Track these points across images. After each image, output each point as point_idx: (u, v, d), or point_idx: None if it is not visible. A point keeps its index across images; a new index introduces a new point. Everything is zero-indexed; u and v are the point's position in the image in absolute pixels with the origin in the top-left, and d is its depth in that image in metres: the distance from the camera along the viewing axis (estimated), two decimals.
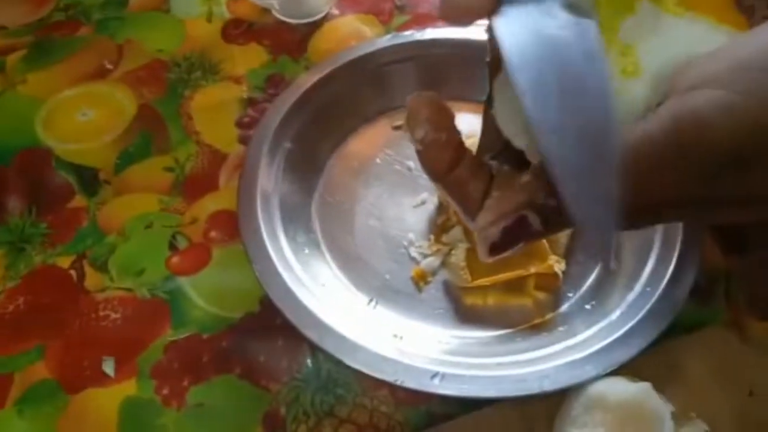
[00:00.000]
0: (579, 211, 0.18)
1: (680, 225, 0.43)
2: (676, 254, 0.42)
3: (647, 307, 0.40)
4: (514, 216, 0.21)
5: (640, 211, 0.21)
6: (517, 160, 0.25)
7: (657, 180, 0.20)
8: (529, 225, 0.21)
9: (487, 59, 0.29)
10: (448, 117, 0.26)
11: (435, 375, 0.37)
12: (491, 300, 0.45)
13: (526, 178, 0.21)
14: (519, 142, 0.25)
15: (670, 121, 0.20)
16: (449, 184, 0.26)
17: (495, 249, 0.22)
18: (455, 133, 0.26)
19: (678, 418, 0.37)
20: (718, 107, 0.20)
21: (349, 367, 0.38)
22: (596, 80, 0.20)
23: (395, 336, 0.42)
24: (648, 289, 0.41)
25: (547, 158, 0.19)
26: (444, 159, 0.25)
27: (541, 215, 0.21)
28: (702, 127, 0.20)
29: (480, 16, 0.24)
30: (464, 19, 0.25)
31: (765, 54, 0.20)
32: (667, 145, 0.20)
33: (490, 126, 0.28)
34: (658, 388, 0.37)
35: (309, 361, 0.43)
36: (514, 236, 0.21)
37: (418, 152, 0.27)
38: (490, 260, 0.24)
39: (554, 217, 0.21)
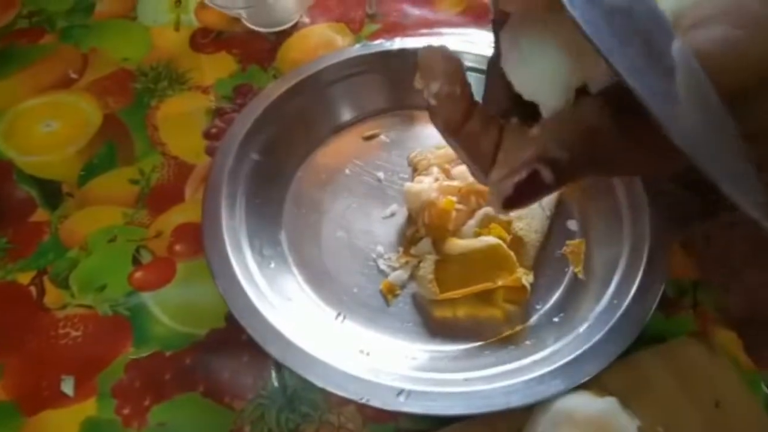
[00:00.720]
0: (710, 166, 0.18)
1: (647, 236, 0.43)
2: (642, 266, 0.42)
3: (614, 320, 0.39)
4: (526, 171, 0.21)
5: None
6: (527, 114, 0.25)
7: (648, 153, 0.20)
8: (541, 179, 0.20)
9: (491, 17, 0.28)
10: (460, 69, 0.25)
11: (401, 392, 0.37)
12: (461, 312, 0.44)
13: (535, 131, 0.20)
14: (537, 96, 0.24)
15: None
16: (462, 139, 0.25)
17: (509, 203, 0.21)
18: (467, 85, 0.25)
19: (645, 431, 0.37)
20: (719, 43, 0.19)
21: (313, 384, 0.37)
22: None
23: (362, 352, 0.41)
24: (615, 301, 0.41)
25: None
26: (458, 112, 0.25)
27: (553, 168, 0.20)
28: (705, 66, 0.19)
29: None
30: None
31: None
32: None
33: (496, 81, 0.27)
34: (626, 401, 0.37)
35: (274, 378, 0.42)
36: (528, 191, 0.21)
37: (431, 108, 0.26)
38: (505, 214, 0.24)
39: (567, 170, 0.21)
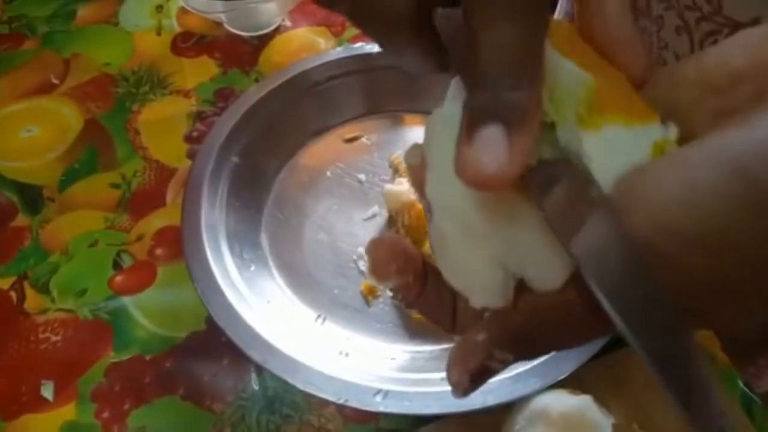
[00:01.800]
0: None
1: None
2: None
3: None
4: (477, 369, 0.20)
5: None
6: None
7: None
8: (494, 368, 0.20)
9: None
10: (412, 258, 0.23)
11: (378, 392, 0.37)
12: None
13: (482, 336, 0.20)
14: (469, 293, 0.21)
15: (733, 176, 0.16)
16: (422, 310, 0.25)
17: (467, 392, 0.21)
18: (419, 267, 0.23)
19: (622, 429, 0.37)
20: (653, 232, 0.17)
21: (294, 386, 0.37)
22: None
23: (341, 353, 0.41)
24: None
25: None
26: (413, 293, 0.24)
27: (503, 363, 0.20)
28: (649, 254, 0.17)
29: None
30: None
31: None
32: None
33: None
34: (602, 400, 0.38)
35: (254, 381, 0.42)
36: (483, 378, 0.21)
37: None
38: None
39: (517, 359, 0.21)
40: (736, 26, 0.39)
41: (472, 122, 0.17)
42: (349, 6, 0.21)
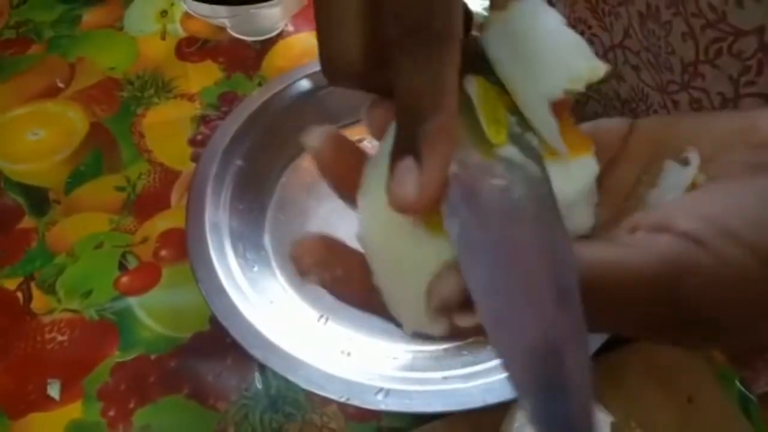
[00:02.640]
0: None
1: None
2: None
3: None
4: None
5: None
6: None
7: (629, 312, 0.19)
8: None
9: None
10: (339, 250, 0.22)
11: (380, 391, 0.38)
12: None
13: None
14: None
15: (661, 264, 0.18)
16: (374, 309, 0.23)
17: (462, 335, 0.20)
18: (354, 260, 0.22)
19: (619, 428, 0.38)
20: (710, 268, 0.18)
21: (296, 385, 0.38)
22: None
23: (343, 352, 0.42)
24: None
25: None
26: (352, 289, 0.22)
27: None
28: (693, 287, 0.18)
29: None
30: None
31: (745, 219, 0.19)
32: (656, 286, 0.18)
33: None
34: (601, 398, 0.38)
35: (258, 380, 0.43)
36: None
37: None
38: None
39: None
40: (739, 34, 0.39)
41: (393, 158, 0.19)
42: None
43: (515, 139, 0.21)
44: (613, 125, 0.24)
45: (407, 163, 0.19)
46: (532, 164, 0.20)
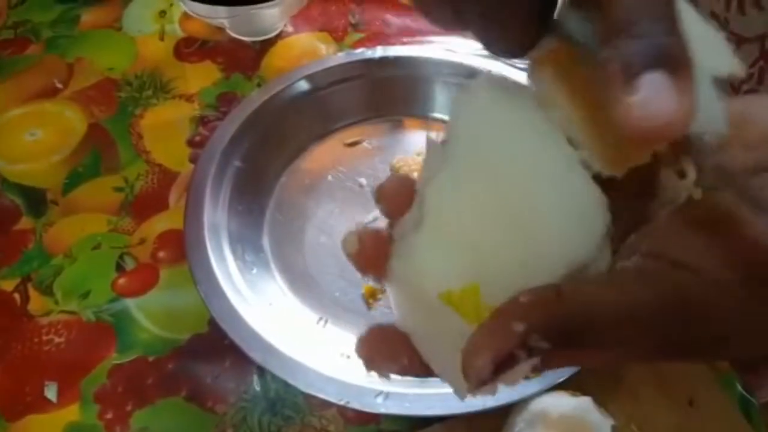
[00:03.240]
0: None
1: None
2: None
3: None
4: (507, 354, 0.19)
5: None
6: None
7: (640, 342, 0.19)
8: (521, 358, 0.18)
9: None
10: (400, 341, 0.23)
11: (379, 394, 0.37)
12: None
13: (519, 324, 0.18)
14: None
15: (660, 293, 0.19)
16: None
17: (483, 383, 0.19)
18: (410, 346, 0.23)
19: (620, 430, 0.37)
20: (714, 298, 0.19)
21: (295, 388, 0.38)
22: None
23: (342, 355, 0.41)
24: None
25: None
26: (419, 371, 0.23)
27: (534, 353, 0.19)
28: (691, 309, 0.19)
29: None
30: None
31: None
32: (653, 315, 0.19)
33: None
34: (601, 401, 0.38)
35: (256, 382, 0.42)
36: (506, 367, 0.19)
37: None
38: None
39: (554, 349, 0.19)
40: (741, 42, 0.39)
41: (628, 71, 0.16)
42: None
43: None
44: None
45: (658, 78, 0.16)
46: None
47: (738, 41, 0.39)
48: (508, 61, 0.59)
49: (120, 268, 0.47)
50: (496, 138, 0.21)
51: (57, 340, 0.44)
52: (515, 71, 0.51)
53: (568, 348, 0.19)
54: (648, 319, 0.18)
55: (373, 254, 0.23)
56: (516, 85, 0.22)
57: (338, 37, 0.63)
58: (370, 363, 0.23)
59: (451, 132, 0.21)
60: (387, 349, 0.23)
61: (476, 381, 0.19)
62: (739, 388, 0.42)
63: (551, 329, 0.18)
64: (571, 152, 0.20)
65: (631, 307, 0.18)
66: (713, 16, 0.39)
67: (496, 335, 0.19)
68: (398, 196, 0.23)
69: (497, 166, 0.20)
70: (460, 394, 0.21)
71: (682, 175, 0.20)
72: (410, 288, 0.21)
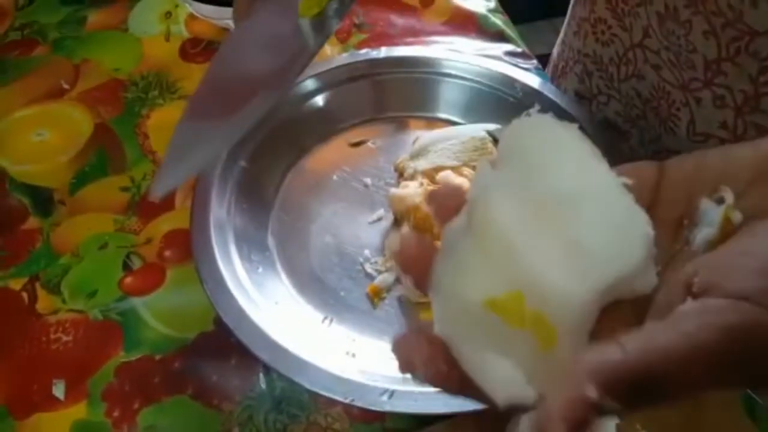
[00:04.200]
0: None
1: None
2: None
3: None
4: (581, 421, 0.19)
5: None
6: None
7: (708, 383, 0.19)
8: (594, 420, 0.19)
9: None
10: (437, 345, 0.23)
11: (384, 392, 0.38)
12: None
13: (591, 390, 0.18)
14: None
15: (727, 333, 0.19)
16: (472, 394, 0.23)
17: None
18: (453, 362, 0.23)
19: (624, 430, 0.38)
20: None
21: (301, 386, 0.38)
22: None
23: (348, 354, 0.42)
24: None
25: None
26: (454, 379, 0.23)
27: (607, 414, 0.19)
28: (756, 345, 0.19)
29: None
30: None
31: None
32: (724, 358, 0.19)
33: None
34: None
35: (262, 380, 0.43)
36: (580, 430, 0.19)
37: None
38: None
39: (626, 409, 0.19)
40: (754, 35, 0.39)
41: None
42: None
43: (321, 20, 0.26)
44: (644, 170, 0.24)
45: None
46: (312, 41, 0.28)
47: (751, 34, 0.39)
48: (519, 64, 0.59)
49: (127, 267, 0.48)
50: (546, 160, 0.23)
51: (64, 338, 0.44)
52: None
53: (638, 402, 0.19)
54: (717, 360, 0.18)
55: (414, 255, 0.24)
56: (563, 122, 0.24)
57: (342, 38, 0.63)
58: (407, 365, 0.23)
59: (503, 153, 0.24)
60: (425, 352, 0.23)
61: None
62: None
63: (620, 387, 0.18)
64: (615, 176, 0.22)
65: (698, 353, 0.18)
66: (729, 7, 0.39)
67: (570, 404, 0.18)
68: (448, 202, 0.24)
69: (547, 185, 0.22)
70: (499, 401, 0.21)
71: (720, 200, 0.22)
72: (454, 294, 0.22)
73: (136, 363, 0.43)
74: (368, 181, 0.52)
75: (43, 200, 0.52)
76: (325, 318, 0.45)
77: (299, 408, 0.42)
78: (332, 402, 0.41)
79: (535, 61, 0.61)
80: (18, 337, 0.44)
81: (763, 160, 0.22)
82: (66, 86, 0.59)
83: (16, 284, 0.47)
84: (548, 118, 0.23)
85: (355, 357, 0.42)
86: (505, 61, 0.58)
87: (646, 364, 0.18)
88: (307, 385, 0.38)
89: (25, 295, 0.47)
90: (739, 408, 0.41)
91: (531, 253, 0.21)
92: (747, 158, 0.22)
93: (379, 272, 0.47)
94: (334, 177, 0.52)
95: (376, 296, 0.46)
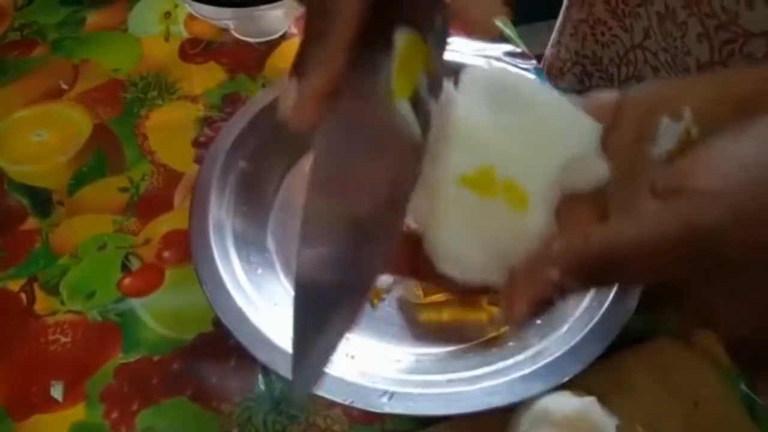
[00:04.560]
0: None
1: None
2: None
3: (594, 321, 0.40)
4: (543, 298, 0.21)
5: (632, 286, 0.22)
6: None
7: (662, 274, 0.21)
8: (556, 299, 0.21)
9: None
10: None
11: (384, 394, 0.37)
12: (445, 316, 0.45)
13: (554, 271, 0.21)
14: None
15: (682, 228, 0.20)
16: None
17: (521, 324, 0.22)
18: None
19: (625, 430, 0.37)
20: (730, 218, 0.20)
21: None
22: None
23: (347, 355, 0.42)
24: (595, 303, 0.41)
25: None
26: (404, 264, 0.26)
27: (567, 293, 0.21)
28: (716, 240, 0.20)
29: None
30: None
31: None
32: (676, 251, 0.20)
33: None
34: (606, 401, 0.38)
35: (261, 382, 0.42)
36: (542, 309, 0.21)
37: None
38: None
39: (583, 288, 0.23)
40: (749, 36, 0.39)
41: (288, 73, 0.22)
42: None
43: (416, 100, 0.24)
44: (604, 97, 0.26)
45: (292, 82, 0.22)
46: (417, 127, 0.23)
47: (746, 35, 0.39)
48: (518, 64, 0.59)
49: (125, 268, 0.48)
50: (506, 86, 0.26)
51: (63, 339, 0.44)
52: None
53: (596, 283, 0.22)
54: (675, 253, 0.20)
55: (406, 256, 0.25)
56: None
57: None
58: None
59: (463, 87, 0.26)
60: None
61: (517, 324, 0.22)
62: (744, 387, 0.42)
63: (582, 271, 0.21)
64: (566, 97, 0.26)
65: (654, 240, 0.20)
66: (723, 9, 0.39)
67: (532, 283, 0.21)
68: None
69: (506, 96, 0.25)
70: (472, 283, 0.24)
71: (678, 117, 0.23)
72: (431, 179, 0.24)
73: (135, 364, 0.43)
74: None
75: (41, 201, 0.52)
76: None
77: (298, 409, 0.42)
78: (331, 403, 0.41)
79: (534, 62, 0.61)
80: (16, 338, 0.44)
81: (718, 89, 0.23)
82: (65, 87, 0.59)
83: (14, 285, 0.47)
84: (507, 67, 0.26)
85: (354, 358, 0.41)
86: (505, 62, 0.58)
87: (608, 254, 0.20)
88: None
89: (23, 296, 0.46)
90: (739, 408, 0.41)
91: (497, 138, 0.24)
92: (703, 86, 0.24)
93: None
94: None
95: (375, 297, 0.46)
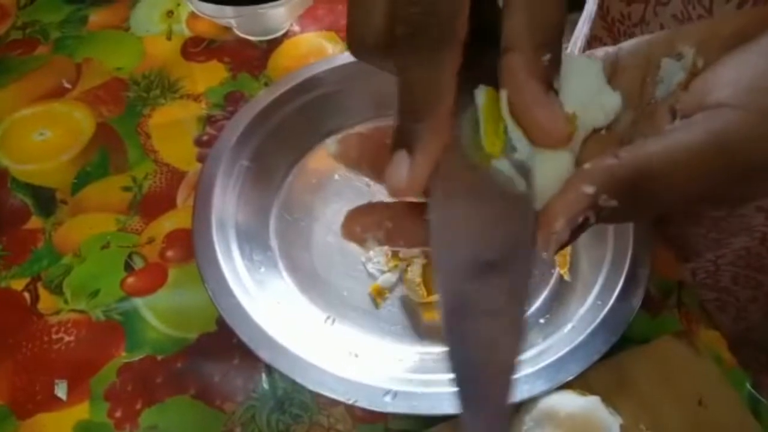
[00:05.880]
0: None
1: (630, 239, 0.43)
2: (626, 267, 0.42)
3: (598, 320, 0.40)
4: (582, 217, 0.22)
5: (670, 208, 0.23)
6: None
7: (693, 185, 0.21)
8: (593, 220, 0.21)
9: None
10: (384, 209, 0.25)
11: (387, 393, 0.37)
12: None
13: (588, 187, 0.21)
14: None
15: (708, 135, 0.21)
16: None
17: (562, 246, 0.22)
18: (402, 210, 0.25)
19: (629, 430, 0.37)
20: (755, 122, 0.21)
21: (303, 386, 0.38)
22: None
23: (351, 354, 0.42)
24: (599, 302, 0.41)
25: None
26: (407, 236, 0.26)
27: (605, 212, 0.22)
28: (744, 143, 0.21)
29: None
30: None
31: None
32: (705, 156, 0.21)
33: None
34: (610, 400, 0.38)
35: (264, 381, 0.43)
36: (581, 230, 0.22)
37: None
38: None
39: (621, 208, 0.22)
40: None
41: (392, 147, 0.22)
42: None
43: (509, 151, 0.23)
44: (598, 53, 0.26)
45: (401, 155, 0.22)
46: (519, 178, 0.23)
47: None
48: None
49: (129, 267, 0.48)
50: None
51: (67, 338, 0.44)
52: None
53: (632, 202, 0.21)
54: (703, 162, 0.21)
55: (357, 151, 0.26)
56: None
57: (344, 37, 0.63)
58: (351, 234, 0.25)
59: None
60: (370, 220, 0.25)
61: (556, 244, 0.22)
62: (748, 387, 0.42)
63: (617, 186, 0.21)
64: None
65: (682, 148, 0.21)
66: (700, 2, 0.39)
67: (568, 201, 0.21)
68: None
69: None
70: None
71: (679, 56, 0.24)
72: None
73: (139, 363, 0.43)
74: (370, 180, 0.52)
75: (44, 200, 0.52)
76: (328, 318, 0.45)
77: (302, 408, 0.42)
78: (335, 402, 0.41)
79: None
80: (20, 338, 0.44)
81: (706, 32, 0.24)
82: (68, 85, 0.59)
83: (18, 284, 0.47)
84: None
85: (357, 357, 0.42)
86: None
87: (638, 165, 0.21)
88: (310, 386, 0.38)
89: (27, 295, 0.47)
90: (743, 407, 0.41)
91: None
92: (696, 24, 0.25)
93: (382, 272, 0.47)
94: (336, 176, 0.52)
95: (378, 296, 0.46)
